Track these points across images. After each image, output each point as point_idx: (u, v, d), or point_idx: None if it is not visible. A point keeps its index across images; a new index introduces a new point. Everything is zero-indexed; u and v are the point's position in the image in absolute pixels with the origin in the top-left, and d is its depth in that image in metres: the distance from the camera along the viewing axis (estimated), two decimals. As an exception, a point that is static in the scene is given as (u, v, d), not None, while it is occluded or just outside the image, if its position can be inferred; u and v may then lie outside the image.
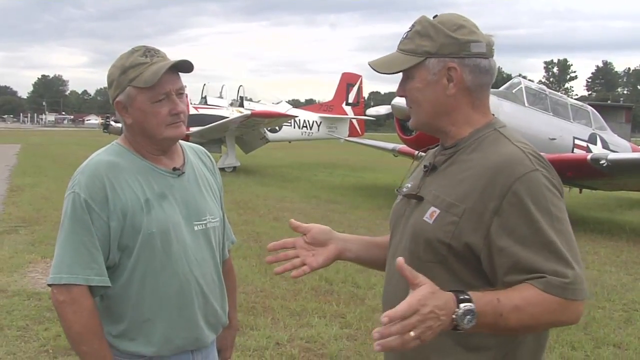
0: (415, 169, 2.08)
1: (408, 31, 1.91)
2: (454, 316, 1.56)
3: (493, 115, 1.94)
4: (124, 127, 2.32)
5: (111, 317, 2.22)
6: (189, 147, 2.48)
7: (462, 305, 1.57)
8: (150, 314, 2.20)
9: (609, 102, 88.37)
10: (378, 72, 1.93)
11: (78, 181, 2.16)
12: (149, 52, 2.21)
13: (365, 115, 29.93)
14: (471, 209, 1.73)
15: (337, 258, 2.15)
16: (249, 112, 22.23)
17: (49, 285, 2.15)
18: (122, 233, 2.15)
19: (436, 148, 2.01)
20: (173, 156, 2.34)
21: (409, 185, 2.01)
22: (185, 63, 2.22)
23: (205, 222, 2.33)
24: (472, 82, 1.85)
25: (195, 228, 2.29)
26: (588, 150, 13.76)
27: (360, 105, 32.02)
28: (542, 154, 1.81)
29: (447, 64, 1.83)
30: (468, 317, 1.57)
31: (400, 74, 1.94)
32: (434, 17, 1.89)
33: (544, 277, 1.63)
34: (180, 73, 2.26)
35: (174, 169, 2.31)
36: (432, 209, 1.82)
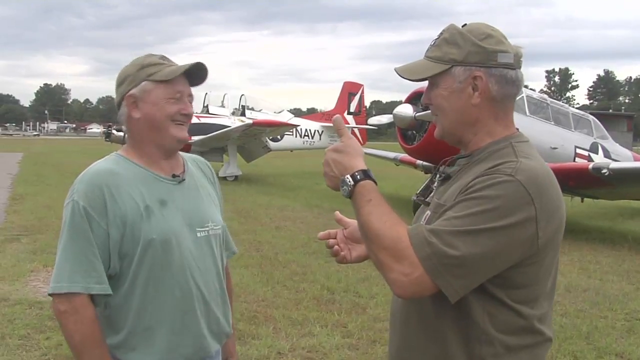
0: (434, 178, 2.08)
1: (436, 39, 1.90)
2: (341, 178, 1.79)
3: (517, 129, 1.91)
4: (127, 128, 2.32)
5: (112, 327, 2.20)
6: (189, 158, 2.50)
7: (348, 178, 1.77)
8: (152, 321, 2.19)
9: (610, 111, 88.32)
10: (403, 78, 1.92)
11: (77, 190, 2.16)
12: (165, 58, 2.30)
13: (367, 125, 29.94)
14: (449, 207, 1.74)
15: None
16: (250, 121, 22.26)
17: (50, 295, 2.15)
18: (122, 241, 2.14)
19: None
20: (173, 164, 2.35)
21: (431, 193, 2.02)
22: (201, 70, 2.30)
23: (207, 228, 2.34)
24: (498, 93, 1.83)
25: (198, 234, 2.30)
26: (590, 159, 13.74)
27: (362, 114, 32.07)
28: (540, 174, 1.73)
29: (473, 72, 1.81)
30: (344, 187, 1.78)
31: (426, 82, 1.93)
32: (463, 26, 1.88)
33: (421, 226, 1.69)
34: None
35: (174, 175, 2.32)
36: (427, 212, 1.86)
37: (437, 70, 1.85)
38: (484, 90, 1.82)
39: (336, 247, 2.17)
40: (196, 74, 2.31)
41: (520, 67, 1.87)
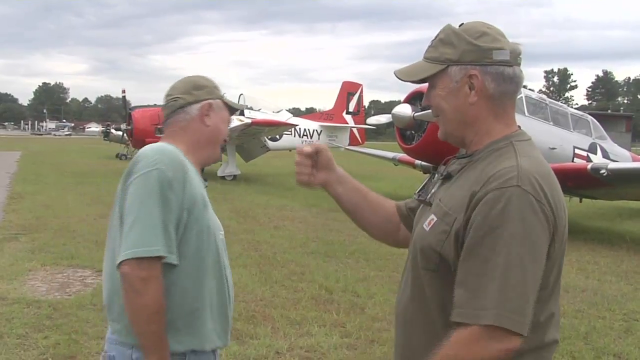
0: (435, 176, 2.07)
1: (433, 39, 1.90)
2: None
3: (519, 127, 1.90)
4: (184, 126, 2.44)
5: None
6: None
7: None
8: (198, 304, 2.26)
9: (609, 111, 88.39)
10: (402, 80, 1.93)
11: (161, 160, 2.21)
12: None
13: (366, 124, 29.96)
14: (459, 219, 1.72)
15: (323, 186, 2.28)
16: (249, 120, 22.25)
17: (131, 259, 2.09)
18: (188, 221, 2.22)
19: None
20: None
21: (432, 192, 1.99)
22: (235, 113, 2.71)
23: (222, 233, 2.48)
24: (495, 90, 1.82)
25: (219, 236, 2.43)
26: (588, 159, 13.75)
27: (361, 114, 32.07)
28: (542, 174, 1.73)
29: (469, 71, 1.81)
30: None
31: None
32: (460, 26, 1.88)
33: (457, 309, 1.66)
34: None
35: (205, 179, 2.49)
36: (432, 216, 1.83)
37: (434, 70, 1.86)
38: (481, 89, 1.81)
39: (302, 168, 2.23)
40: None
41: (518, 64, 1.85)
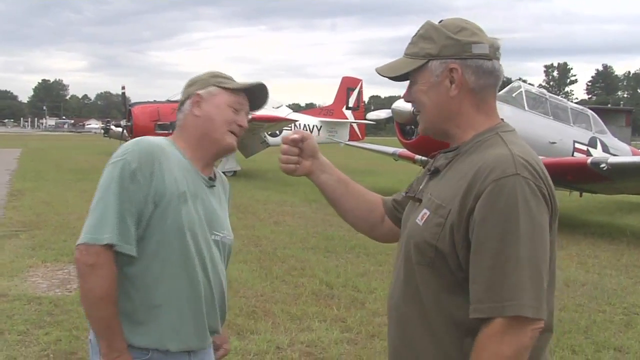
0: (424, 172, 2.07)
1: (413, 36, 1.92)
2: None
3: (502, 119, 1.92)
4: (183, 124, 2.43)
5: (123, 296, 2.22)
6: (218, 173, 2.63)
7: None
8: (162, 300, 2.23)
9: (609, 105, 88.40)
10: (383, 76, 1.95)
11: (131, 151, 2.21)
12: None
13: (366, 120, 29.93)
14: (454, 210, 1.72)
15: (307, 174, 2.29)
16: (249, 116, 22.18)
17: (81, 244, 2.13)
18: (153, 214, 2.20)
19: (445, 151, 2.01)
20: (210, 170, 2.49)
21: (420, 188, 2.00)
22: (263, 95, 2.57)
23: (222, 235, 2.44)
24: (475, 84, 1.84)
25: (213, 237, 2.39)
26: (588, 154, 13.75)
27: (361, 109, 32.04)
28: (534, 159, 1.75)
29: (449, 65, 1.82)
30: None
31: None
32: (439, 22, 1.90)
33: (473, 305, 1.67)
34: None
35: (210, 178, 2.45)
36: (424, 211, 1.83)
37: (414, 65, 1.88)
38: (461, 82, 1.83)
39: (289, 157, 2.24)
40: (259, 98, 2.55)
41: (497, 58, 1.87)
